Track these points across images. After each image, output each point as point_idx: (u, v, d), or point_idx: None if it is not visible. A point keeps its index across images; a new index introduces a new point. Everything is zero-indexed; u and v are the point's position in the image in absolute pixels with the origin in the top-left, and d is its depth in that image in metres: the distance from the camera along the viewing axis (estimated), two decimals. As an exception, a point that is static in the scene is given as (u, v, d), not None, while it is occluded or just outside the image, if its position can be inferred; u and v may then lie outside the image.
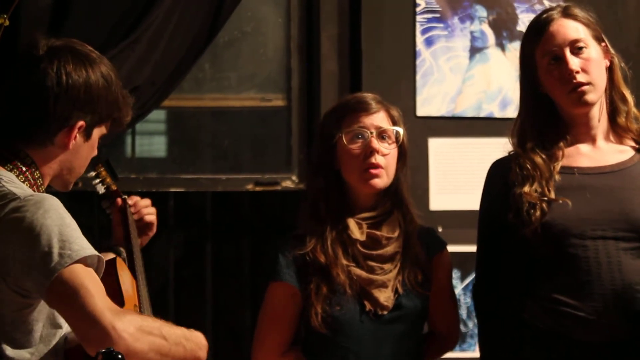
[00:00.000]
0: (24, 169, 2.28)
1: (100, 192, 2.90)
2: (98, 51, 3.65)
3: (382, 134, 2.98)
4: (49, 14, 3.75)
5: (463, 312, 4.01)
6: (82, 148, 2.34)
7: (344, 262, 2.91)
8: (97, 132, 2.36)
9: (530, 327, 2.80)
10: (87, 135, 2.33)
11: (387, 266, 2.95)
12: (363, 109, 2.98)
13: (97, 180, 2.90)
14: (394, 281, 2.93)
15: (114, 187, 2.90)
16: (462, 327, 4.01)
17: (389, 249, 2.96)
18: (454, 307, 3.09)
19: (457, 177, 4.07)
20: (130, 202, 2.86)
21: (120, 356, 1.88)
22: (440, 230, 3.88)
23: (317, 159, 3.05)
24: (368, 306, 2.90)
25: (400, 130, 3.00)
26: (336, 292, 2.90)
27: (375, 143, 2.95)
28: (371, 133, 2.96)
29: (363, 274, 2.92)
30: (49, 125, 2.27)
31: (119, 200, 2.85)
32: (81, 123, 2.29)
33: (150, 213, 2.91)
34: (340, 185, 2.99)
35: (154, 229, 2.94)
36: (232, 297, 4.40)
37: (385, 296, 2.91)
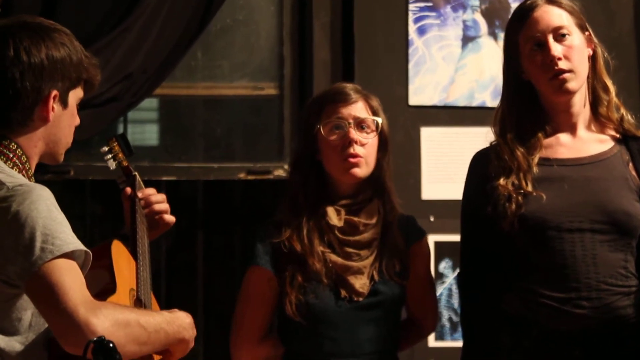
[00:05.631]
0: (10, 154, 2.27)
1: (111, 168, 2.88)
2: (90, 39, 3.70)
3: (360, 124, 2.96)
4: (41, 2, 3.74)
5: (455, 301, 4.01)
6: (62, 117, 2.33)
7: (320, 248, 2.91)
8: (73, 97, 2.35)
9: (508, 316, 2.83)
10: (63, 103, 2.32)
11: (363, 252, 2.94)
12: (341, 100, 2.97)
13: (109, 156, 2.87)
14: (370, 268, 2.93)
15: (125, 164, 2.87)
16: (454, 317, 4.02)
17: (366, 236, 2.95)
18: (431, 295, 3.09)
19: (449, 167, 4.07)
20: (140, 194, 2.81)
21: (111, 345, 1.87)
22: (432, 219, 3.88)
23: (299, 150, 3.06)
24: (343, 293, 2.90)
25: (380, 120, 2.99)
26: (311, 281, 2.90)
27: (353, 134, 2.94)
28: (349, 123, 2.95)
29: (339, 260, 2.92)
30: (24, 102, 2.26)
31: (128, 189, 2.81)
32: (55, 92, 2.28)
33: (162, 211, 2.81)
34: (322, 176, 2.99)
35: (167, 227, 2.84)
36: (223, 286, 4.40)
37: (360, 283, 2.91)
